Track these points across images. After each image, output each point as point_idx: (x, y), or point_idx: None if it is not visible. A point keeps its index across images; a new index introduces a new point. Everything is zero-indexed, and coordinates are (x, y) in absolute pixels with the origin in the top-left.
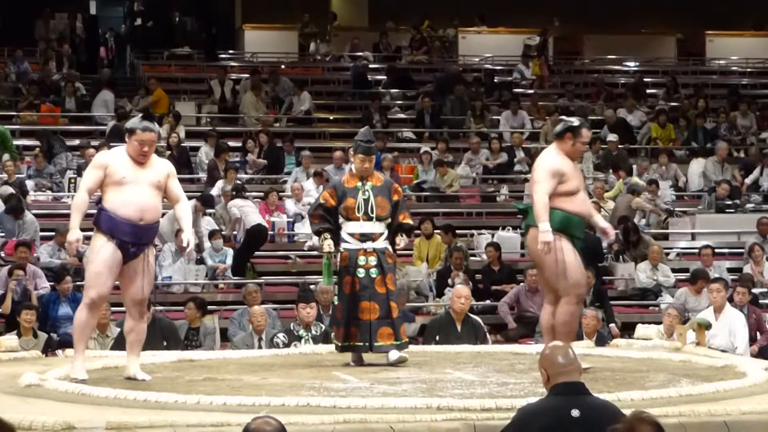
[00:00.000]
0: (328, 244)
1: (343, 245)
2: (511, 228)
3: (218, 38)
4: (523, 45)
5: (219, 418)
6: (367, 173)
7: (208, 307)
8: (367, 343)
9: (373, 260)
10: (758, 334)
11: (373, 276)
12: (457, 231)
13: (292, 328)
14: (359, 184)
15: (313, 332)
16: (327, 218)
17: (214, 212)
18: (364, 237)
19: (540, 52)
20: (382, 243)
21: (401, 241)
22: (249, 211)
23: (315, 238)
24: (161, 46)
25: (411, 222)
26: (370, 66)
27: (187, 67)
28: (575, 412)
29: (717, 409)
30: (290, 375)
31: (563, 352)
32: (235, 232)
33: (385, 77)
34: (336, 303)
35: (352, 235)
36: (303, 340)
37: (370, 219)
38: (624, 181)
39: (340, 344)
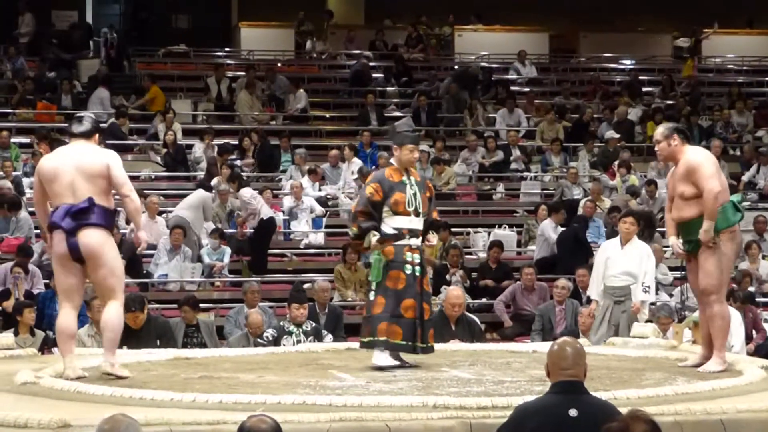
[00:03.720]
0: (378, 240)
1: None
2: (507, 226)
3: (214, 36)
4: (672, 46)
5: (215, 416)
6: (414, 164)
7: (205, 305)
8: (410, 342)
9: (417, 258)
10: (754, 332)
11: (417, 275)
12: (454, 229)
13: (282, 324)
14: (404, 178)
15: (304, 328)
16: (373, 215)
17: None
18: (411, 233)
19: (692, 53)
20: (419, 241)
21: (433, 239)
22: (262, 203)
23: (350, 231)
24: (157, 43)
25: (440, 219)
26: (373, 64)
27: (183, 65)
28: (573, 412)
29: (713, 407)
30: (286, 373)
31: (572, 350)
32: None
33: (382, 75)
34: (373, 298)
35: (399, 230)
36: (293, 335)
37: (417, 215)
38: (623, 178)
39: (378, 340)
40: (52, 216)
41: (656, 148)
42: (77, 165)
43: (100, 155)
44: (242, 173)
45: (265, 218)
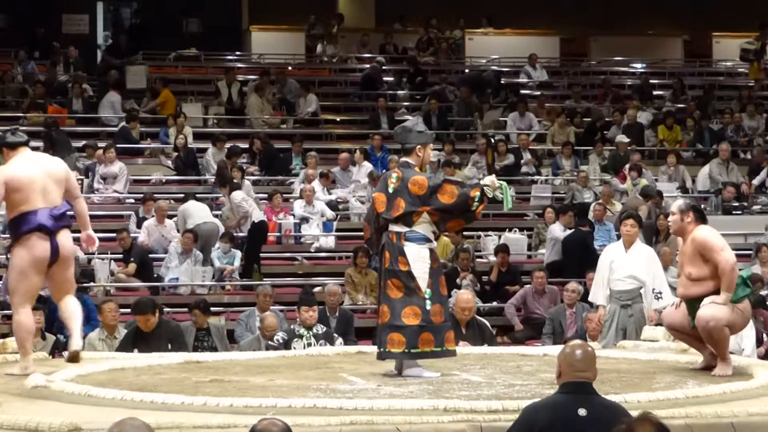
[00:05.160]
0: (491, 180)
1: (431, 245)
2: (517, 230)
3: (225, 39)
4: (740, 49)
5: (225, 420)
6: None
7: (216, 308)
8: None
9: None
10: (765, 336)
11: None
12: (464, 233)
13: (292, 328)
14: None
15: (315, 331)
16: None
17: (220, 213)
18: (436, 235)
19: (759, 55)
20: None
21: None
22: (254, 206)
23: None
24: (168, 47)
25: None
26: (384, 67)
27: (194, 69)
28: (582, 411)
29: (724, 410)
30: (297, 376)
31: (584, 353)
32: (240, 231)
33: (392, 78)
34: (429, 307)
35: (434, 233)
36: (304, 338)
37: None
38: (634, 182)
39: (442, 349)
40: (33, 220)
41: (669, 220)
42: (47, 171)
43: (58, 162)
44: (254, 175)
45: (256, 221)
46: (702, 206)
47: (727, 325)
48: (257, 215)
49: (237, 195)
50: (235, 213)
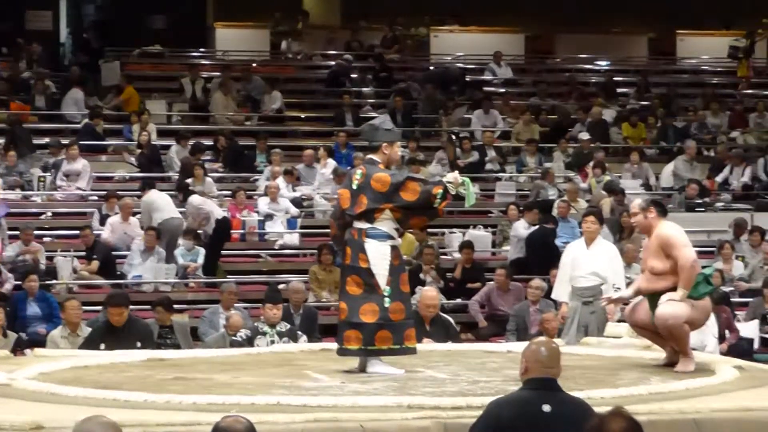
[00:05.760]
0: (454, 176)
1: (393, 242)
2: (482, 227)
3: (190, 36)
4: (728, 47)
5: (189, 418)
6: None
7: (179, 306)
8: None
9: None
10: (727, 332)
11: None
12: (429, 229)
13: (256, 325)
14: None
15: (278, 329)
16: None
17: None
18: (399, 233)
19: (747, 53)
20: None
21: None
22: (213, 206)
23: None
24: (132, 44)
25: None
26: (353, 65)
27: (158, 65)
28: (546, 407)
29: (686, 407)
30: (261, 374)
31: (549, 350)
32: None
33: (356, 75)
34: (388, 305)
35: (397, 230)
36: (267, 336)
37: None
38: (597, 179)
39: (401, 347)
40: None
41: (632, 220)
42: None
43: None
44: (218, 173)
45: (220, 218)
46: (666, 203)
47: (686, 321)
48: (219, 213)
49: (194, 200)
50: (196, 216)
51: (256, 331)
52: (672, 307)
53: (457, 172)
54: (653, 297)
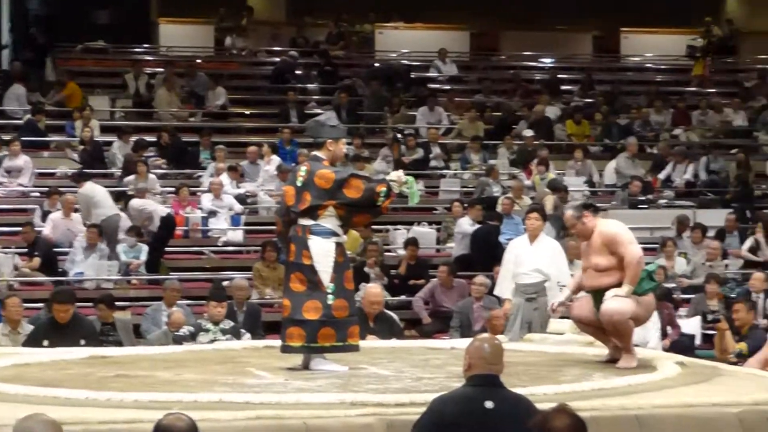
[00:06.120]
0: (398, 175)
1: (338, 239)
2: (426, 223)
3: (134, 32)
4: (686, 46)
5: (131, 415)
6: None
7: (122, 303)
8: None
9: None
10: (669, 328)
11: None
12: (373, 226)
13: (199, 321)
14: None
15: (222, 327)
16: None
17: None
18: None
19: (705, 53)
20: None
21: None
22: (155, 206)
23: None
24: (75, 39)
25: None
26: (298, 61)
27: (101, 61)
28: (489, 404)
29: (629, 403)
30: (204, 371)
31: (492, 347)
32: (149, 228)
33: (302, 72)
34: (331, 302)
35: (342, 227)
36: (210, 333)
37: None
38: (541, 176)
39: (345, 344)
40: None
41: (572, 231)
42: None
43: None
44: (162, 169)
45: (164, 215)
46: (609, 200)
47: (631, 317)
48: (162, 211)
49: (134, 203)
50: (138, 218)
51: (200, 327)
52: (618, 302)
53: (401, 170)
54: (597, 294)
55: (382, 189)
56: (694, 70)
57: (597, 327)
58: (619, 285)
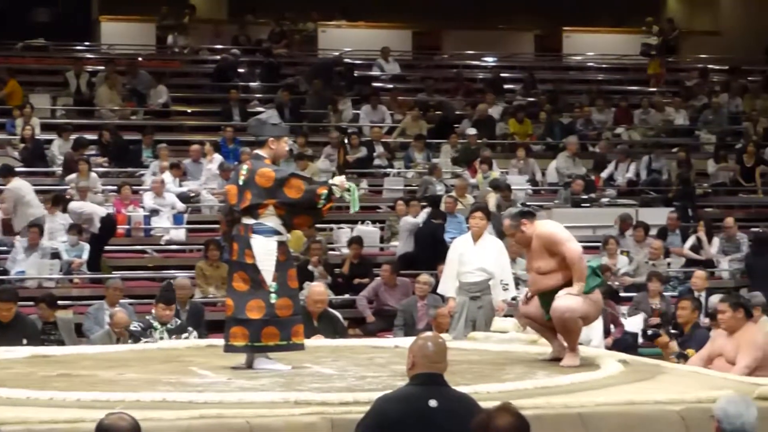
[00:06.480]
0: (341, 180)
1: (280, 238)
2: (370, 222)
3: (75, 30)
4: (641, 44)
5: (73, 415)
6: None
7: (64, 302)
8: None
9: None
10: (612, 327)
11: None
12: (317, 225)
13: (148, 318)
14: None
15: (168, 326)
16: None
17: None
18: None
19: (660, 51)
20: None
21: None
22: (93, 205)
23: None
24: (15, 37)
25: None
26: (240, 59)
27: (42, 59)
28: (433, 402)
29: (572, 401)
30: (147, 370)
31: (436, 345)
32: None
33: (244, 70)
34: (274, 301)
35: (285, 225)
36: (157, 332)
37: None
38: (484, 175)
39: (288, 343)
40: None
41: (513, 241)
42: None
43: None
44: (104, 167)
45: (104, 216)
46: (551, 199)
47: (581, 316)
48: (101, 211)
49: (72, 206)
50: (78, 220)
51: (149, 324)
52: (569, 301)
53: (344, 176)
54: (543, 295)
55: (323, 192)
56: (649, 69)
57: (543, 324)
58: (562, 286)
